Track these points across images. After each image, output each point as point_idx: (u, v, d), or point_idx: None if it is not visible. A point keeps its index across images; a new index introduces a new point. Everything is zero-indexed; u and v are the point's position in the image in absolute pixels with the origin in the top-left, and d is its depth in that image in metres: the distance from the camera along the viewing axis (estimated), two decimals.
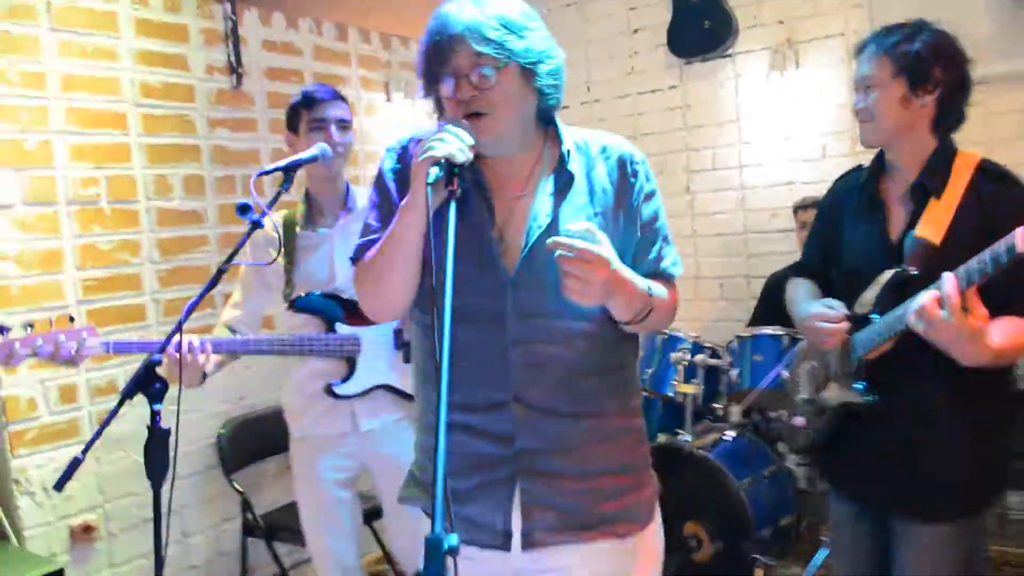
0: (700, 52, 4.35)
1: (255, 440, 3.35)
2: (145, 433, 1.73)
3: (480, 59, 1.45)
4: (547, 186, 1.57)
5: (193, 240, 3.28)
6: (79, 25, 2.94)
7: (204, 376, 2.19)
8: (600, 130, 1.67)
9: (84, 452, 1.88)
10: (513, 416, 1.56)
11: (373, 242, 1.57)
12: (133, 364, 3.05)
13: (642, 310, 1.52)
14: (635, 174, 1.61)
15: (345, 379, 2.40)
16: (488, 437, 1.57)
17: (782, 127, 4.23)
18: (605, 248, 1.39)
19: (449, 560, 0.97)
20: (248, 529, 3.27)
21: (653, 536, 1.71)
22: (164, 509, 1.68)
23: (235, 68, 3.41)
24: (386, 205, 1.61)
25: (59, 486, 1.88)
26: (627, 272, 1.48)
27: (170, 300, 3.18)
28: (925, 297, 1.64)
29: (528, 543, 1.57)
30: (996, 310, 1.69)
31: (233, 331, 2.45)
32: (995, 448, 1.90)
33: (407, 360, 2.50)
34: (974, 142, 3.63)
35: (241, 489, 3.21)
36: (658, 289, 1.57)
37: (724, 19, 4.22)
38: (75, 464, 1.86)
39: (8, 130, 2.75)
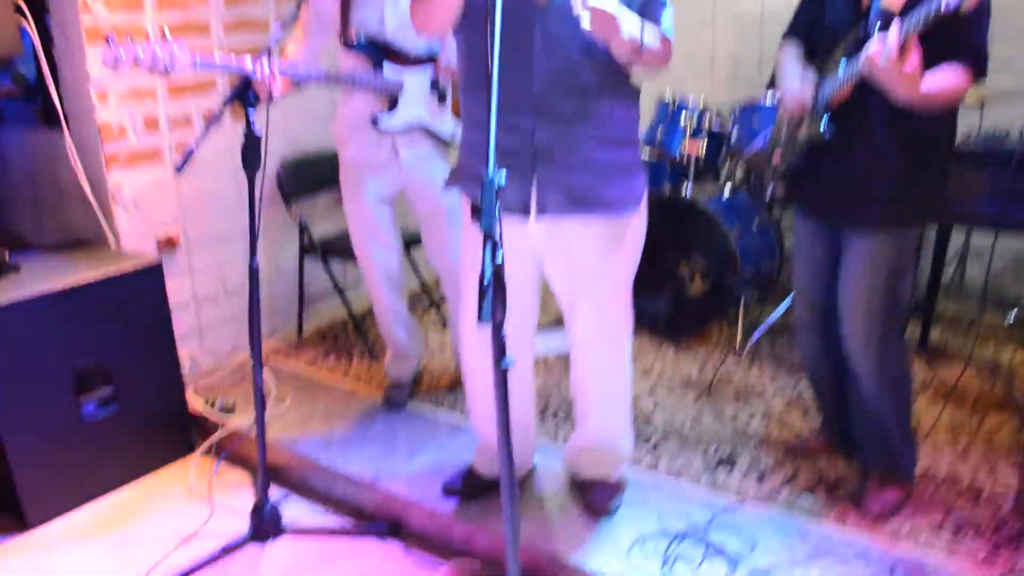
0: None
1: (309, 177, 3.80)
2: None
3: None
4: None
5: None
6: None
7: (271, 98, 2.62)
8: None
9: (196, 144, 2.32)
10: (534, 118, 2.01)
11: None
12: (207, 99, 3.46)
13: (634, 48, 1.92)
14: None
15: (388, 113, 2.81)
16: (514, 133, 2.03)
17: None
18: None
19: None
20: (304, 250, 3.80)
21: (639, 224, 2.22)
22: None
23: None
24: None
25: (179, 168, 2.33)
26: (625, 13, 1.87)
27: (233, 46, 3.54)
28: (872, 44, 2.02)
29: (540, 211, 2.08)
30: (938, 59, 2.07)
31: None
32: (927, 179, 2.28)
33: (442, 101, 2.92)
34: None
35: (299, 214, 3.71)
36: (650, 33, 1.95)
37: None
38: (190, 154, 2.31)
39: None
